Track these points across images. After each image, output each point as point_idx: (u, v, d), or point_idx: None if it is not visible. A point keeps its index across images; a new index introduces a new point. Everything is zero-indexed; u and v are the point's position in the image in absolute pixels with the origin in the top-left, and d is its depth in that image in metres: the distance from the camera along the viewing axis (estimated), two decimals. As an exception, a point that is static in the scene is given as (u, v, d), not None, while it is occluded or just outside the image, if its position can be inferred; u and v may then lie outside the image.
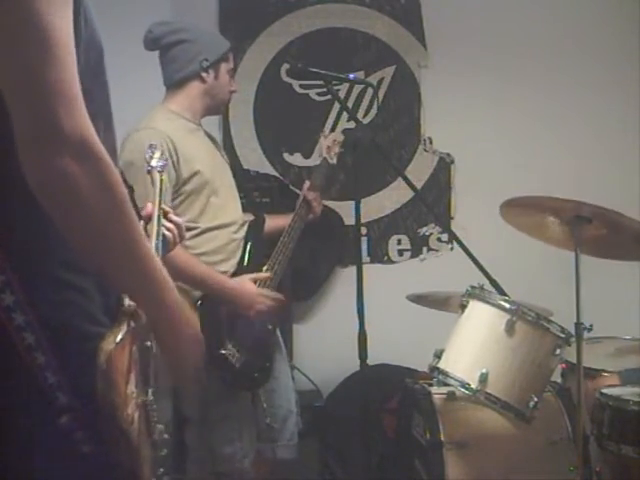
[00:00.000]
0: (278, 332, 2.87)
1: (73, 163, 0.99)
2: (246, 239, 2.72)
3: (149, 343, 1.20)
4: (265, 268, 2.70)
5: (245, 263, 2.69)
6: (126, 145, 2.49)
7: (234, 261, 2.67)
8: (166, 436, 1.25)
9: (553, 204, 2.53)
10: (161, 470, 1.24)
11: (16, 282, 1.03)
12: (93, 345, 1.06)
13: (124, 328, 1.11)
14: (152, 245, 1.32)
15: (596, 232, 2.54)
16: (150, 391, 1.21)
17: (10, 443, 1.06)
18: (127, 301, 1.15)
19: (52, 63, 0.99)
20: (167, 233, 1.45)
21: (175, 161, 2.52)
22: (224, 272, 2.63)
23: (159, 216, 1.43)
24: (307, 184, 2.96)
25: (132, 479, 1.10)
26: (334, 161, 3.00)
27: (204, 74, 2.64)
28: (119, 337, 1.08)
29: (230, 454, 2.62)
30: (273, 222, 2.90)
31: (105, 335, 1.08)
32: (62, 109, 0.99)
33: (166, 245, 1.44)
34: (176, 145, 2.52)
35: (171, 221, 1.48)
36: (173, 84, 2.66)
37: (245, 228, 2.74)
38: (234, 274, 2.65)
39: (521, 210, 2.65)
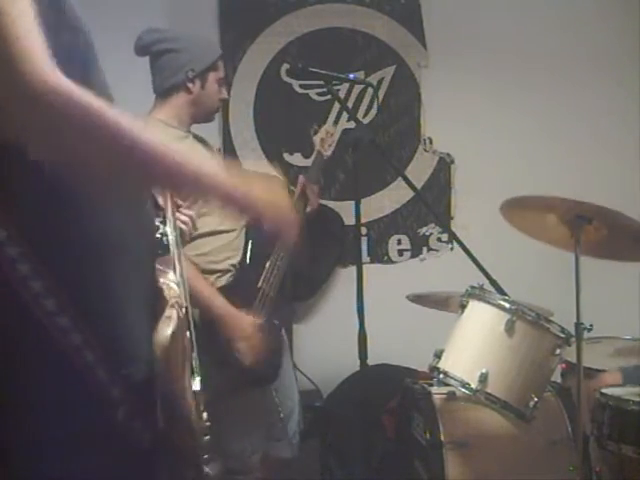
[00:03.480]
0: (283, 331, 2.87)
1: (46, 106, 0.98)
2: (247, 238, 2.72)
3: (188, 334, 1.20)
4: (268, 264, 2.71)
5: (248, 261, 2.70)
6: None
7: (237, 259, 2.68)
8: (208, 423, 1.27)
9: (553, 203, 2.53)
10: (206, 456, 1.27)
11: (44, 268, 1.03)
12: (122, 332, 1.07)
13: (175, 318, 1.11)
14: (172, 238, 1.34)
15: (596, 232, 2.54)
16: (197, 379, 1.23)
17: (65, 443, 1.06)
18: (170, 290, 1.15)
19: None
20: (182, 226, 1.51)
21: None
22: (228, 270, 2.64)
23: (172, 211, 1.46)
24: (302, 178, 2.93)
25: (194, 464, 1.13)
26: (328, 153, 2.97)
27: (190, 84, 2.64)
28: (172, 329, 1.09)
29: (239, 450, 2.62)
30: None
31: (157, 326, 1.09)
32: (18, 60, 0.98)
33: (182, 237, 1.51)
34: None
35: (184, 214, 1.54)
36: (160, 93, 2.68)
37: (245, 226, 2.75)
38: (238, 272, 2.66)
39: (521, 209, 2.65)
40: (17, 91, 0.98)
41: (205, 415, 1.25)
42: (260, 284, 2.65)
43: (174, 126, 2.65)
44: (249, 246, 2.71)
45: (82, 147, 1.02)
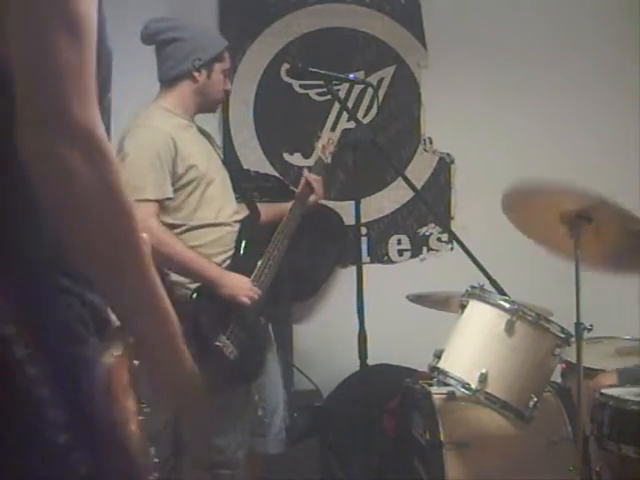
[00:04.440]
0: (270, 328, 2.88)
1: (78, 155, 0.92)
2: (240, 234, 2.72)
3: (136, 362, 1.14)
4: (260, 262, 2.71)
5: (240, 258, 2.70)
6: (128, 140, 2.55)
7: (229, 253, 2.69)
8: (156, 460, 1.18)
9: (554, 196, 2.50)
10: None
11: (8, 292, 0.98)
12: (85, 349, 1.02)
13: (121, 343, 1.07)
14: None
15: (596, 234, 2.53)
16: (144, 410, 1.15)
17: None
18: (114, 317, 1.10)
19: (74, 45, 0.94)
20: None
21: (174, 157, 2.57)
22: (219, 265, 2.65)
23: None
24: (306, 171, 3.00)
25: None
26: (329, 160, 3.02)
27: (196, 73, 2.66)
28: (118, 351, 1.04)
29: (223, 445, 2.63)
30: (271, 210, 2.92)
31: (102, 348, 1.04)
32: (75, 96, 0.93)
33: None
34: (175, 141, 2.57)
35: None
36: (166, 81, 2.70)
37: (239, 222, 2.75)
38: (229, 268, 2.67)
39: (522, 203, 2.61)
40: (59, 124, 0.92)
41: (152, 450, 1.15)
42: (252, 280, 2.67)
43: (178, 114, 2.67)
44: (242, 243, 2.72)
45: (94, 204, 0.95)
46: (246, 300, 2.61)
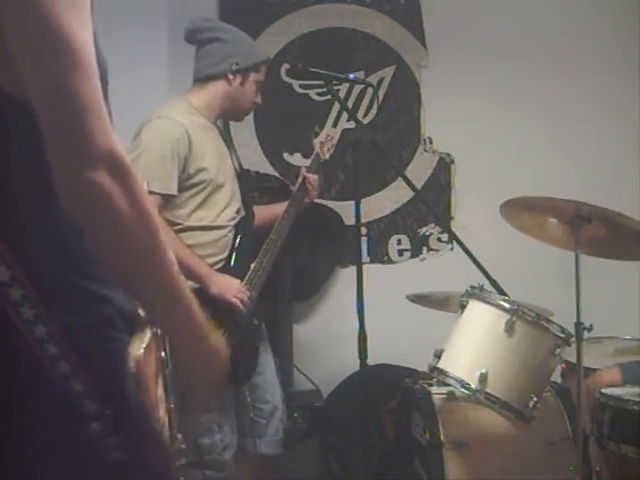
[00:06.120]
0: (264, 327, 2.87)
1: (107, 177, 0.99)
2: (235, 235, 2.72)
3: (163, 354, 1.19)
4: (253, 265, 2.71)
5: (233, 261, 2.70)
6: (146, 130, 2.56)
7: (223, 255, 2.69)
8: (183, 446, 1.23)
9: (553, 204, 2.53)
10: (181, 479, 1.23)
11: (35, 295, 1.02)
12: (115, 347, 1.07)
13: (148, 333, 1.11)
14: None
15: (596, 232, 2.55)
16: (171, 399, 1.21)
17: (35, 456, 1.05)
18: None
19: (83, 78, 0.99)
20: None
21: (187, 155, 2.57)
22: (211, 266, 2.64)
23: None
24: (304, 170, 2.98)
25: None
26: (327, 157, 3.02)
27: (231, 76, 2.67)
28: (145, 342, 1.09)
29: (210, 445, 2.62)
30: (265, 212, 2.92)
31: (131, 340, 1.08)
32: (96, 125, 0.99)
33: None
34: (191, 139, 2.57)
35: None
36: (200, 79, 2.71)
37: (235, 225, 2.75)
38: (222, 270, 2.66)
39: (521, 210, 2.65)
40: (85, 154, 0.99)
41: (180, 437, 1.21)
42: (243, 284, 2.66)
43: (203, 114, 2.68)
44: (236, 245, 2.71)
45: (124, 218, 1.02)
46: (235, 301, 2.60)
